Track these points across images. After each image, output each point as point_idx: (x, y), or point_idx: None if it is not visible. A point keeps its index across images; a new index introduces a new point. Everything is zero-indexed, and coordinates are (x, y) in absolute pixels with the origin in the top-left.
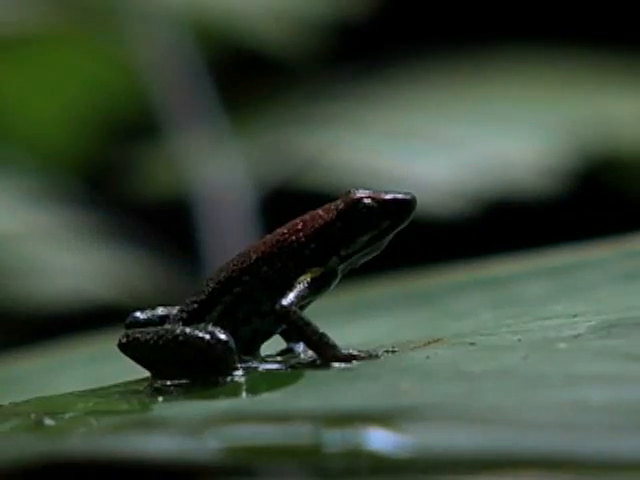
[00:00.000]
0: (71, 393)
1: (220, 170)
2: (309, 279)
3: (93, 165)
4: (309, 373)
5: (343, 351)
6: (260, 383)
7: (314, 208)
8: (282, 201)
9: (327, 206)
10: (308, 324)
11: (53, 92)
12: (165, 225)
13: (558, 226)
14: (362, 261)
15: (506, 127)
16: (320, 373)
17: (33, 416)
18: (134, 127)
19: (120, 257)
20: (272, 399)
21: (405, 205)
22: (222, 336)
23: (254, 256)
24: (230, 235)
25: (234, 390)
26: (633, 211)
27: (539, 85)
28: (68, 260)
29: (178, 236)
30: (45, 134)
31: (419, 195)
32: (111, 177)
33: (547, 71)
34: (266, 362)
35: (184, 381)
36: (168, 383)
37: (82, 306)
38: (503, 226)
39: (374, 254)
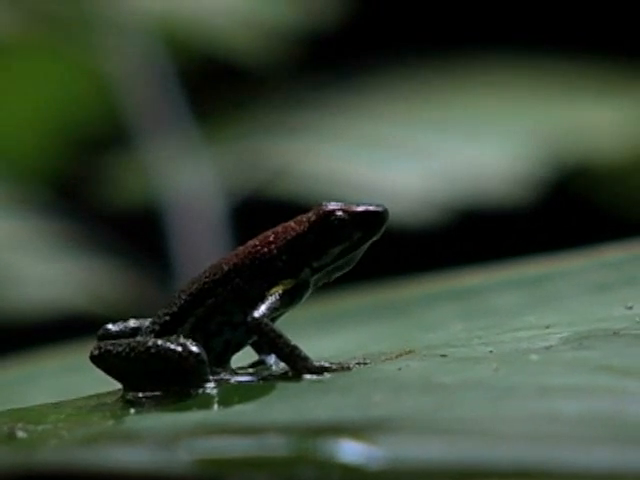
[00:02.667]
0: (43, 405)
1: (191, 179)
2: (281, 291)
3: (64, 174)
4: (281, 385)
5: (315, 363)
6: (232, 395)
7: (285, 217)
8: (253, 210)
9: (299, 218)
10: (280, 336)
11: (23, 101)
12: (136, 234)
13: (529, 235)
14: (336, 276)
15: (477, 136)
16: (292, 385)
17: (5, 428)
18: (105, 136)
19: (91, 266)
20: (244, 411)
21: (377, 217)
22: (194, 348)
23: (226, 268)
24: (201, 244)
25: (206, 402)
26: (604, 220)
27: (510, 93)
28: (38, 270)
29: (149, 245)
30: (15, 143)
31: (390, 204)
32: (82, 186)
33: (518, 79)
34: (238, 374)
35: (156, 393)
36: (140, 395)
37: (53, 315)
38: (474, 235)
39: (347, 268)
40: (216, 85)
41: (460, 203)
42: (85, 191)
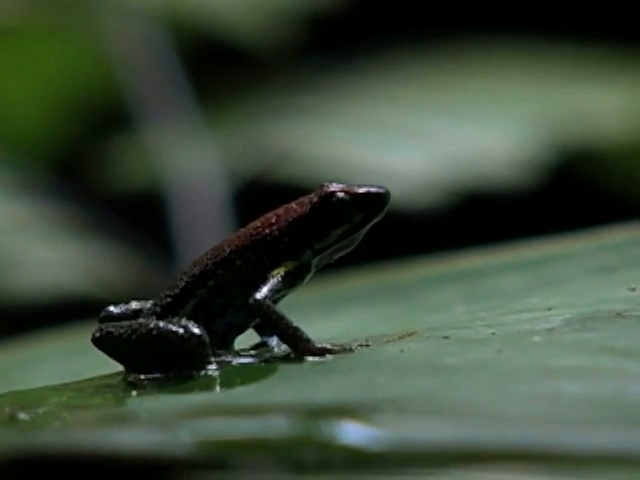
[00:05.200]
0: (45, 387)
1: (194, 162)
2: (283, 273)
3: (67, 157)
4: (283, 367)
5: (317, 345)
6: (234, 377)
7: (288, 200)
8: (256, 193)
9: (301, 200)
10: (282, 318)
11: (26, 84)
12: (139, 217)
13: (532, 219)
14: (337, 256)
15: (480, 119)
16: (294, 367)
17: (7, 410)
18: (108, 119)
19: (93, 249)
20: (246, 393)
21: (378, 199)
22: (196, 330)
23: (228, 250)
24: (204, 227)
25: (208, 384)
26: (607, 203)
27: (513, 77)
28: (41, 253)
29: (152, 228)
30: (18, 126)
31: (392, 187)
32: (85, 169)
33: (522, 63)
34: (240, 356)
35: (158, 375)
36: (142, 377)
37: (56, 299)
38: (477, 218)
39: (349, 249)
40: (219, 68)
41: (463, 186)
42: (88, 174)
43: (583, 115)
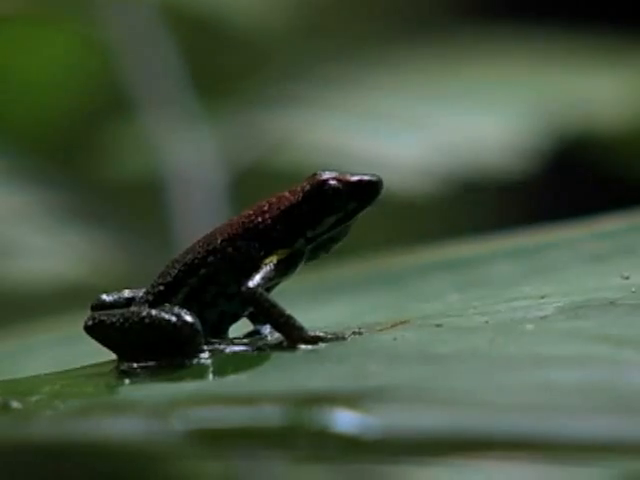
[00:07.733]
0: (38, 375)
1: (191, 150)
2: (275, 261)
3: (63, 145)
4: (276, 355)
5: (310, 333)
6: (227, 365)
7: (285, 187)
8: (253, 181)
9: (293, 188)
10: (274, 306)
11: (22, 72)
12: (135, 205)
13: (530, 206)
14: (332, 247)
15: (477, 106)
16: (287, 355)
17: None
18: (104, 107)
19: (89, 237)
20: (239, 381)
21: (371, 187)
22: (188, 318)
23: (220, 238)
24: (201, 215)
25: (201, 372)
26: (606, 190)
27: (511, 63)
28: (38, 240)
29: (149, 216)
30: (14, 114)
31: (389, 175)
32: (81, 157)
33: (519, 49)
34: (233, 344)
35: (150, 363)
36: (134, 365)
37: (52, 287)
38: (473, 206)
39: (343, 239)
40: (217, 54)
41: (459, 174)
42: (85, 162)
43: (581, 102)
